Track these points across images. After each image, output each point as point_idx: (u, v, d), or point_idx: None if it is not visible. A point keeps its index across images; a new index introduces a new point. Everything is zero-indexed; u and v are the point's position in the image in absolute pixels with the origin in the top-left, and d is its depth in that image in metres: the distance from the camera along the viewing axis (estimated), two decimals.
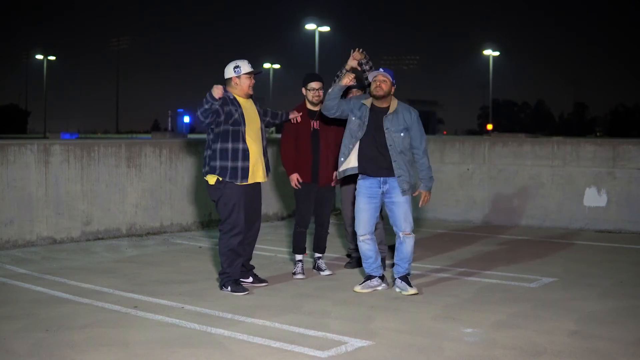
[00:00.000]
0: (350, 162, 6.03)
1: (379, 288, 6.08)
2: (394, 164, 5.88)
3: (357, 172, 6.03)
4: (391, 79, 5.97)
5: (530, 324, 5.10)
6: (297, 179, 6.64)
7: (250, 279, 6.22)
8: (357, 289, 6.06)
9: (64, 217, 8.36)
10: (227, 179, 5.92)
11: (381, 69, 6.04)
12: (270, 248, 8.13)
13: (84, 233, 8.54)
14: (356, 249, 7.18)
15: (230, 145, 5.92)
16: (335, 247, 8.16)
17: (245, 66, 6.02)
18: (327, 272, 6.79)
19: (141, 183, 9.07)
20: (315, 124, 6.65)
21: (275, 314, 5.31)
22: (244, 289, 5.96)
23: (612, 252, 8.10)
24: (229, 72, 6.03)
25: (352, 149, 6.00)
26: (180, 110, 66.64)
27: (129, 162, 8.95)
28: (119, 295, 5.88)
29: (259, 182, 6.15)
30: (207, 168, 5.99)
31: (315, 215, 6.84)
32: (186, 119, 63.95)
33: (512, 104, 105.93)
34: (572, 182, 9.86)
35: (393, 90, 6.03)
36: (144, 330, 4.89)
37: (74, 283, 6.30)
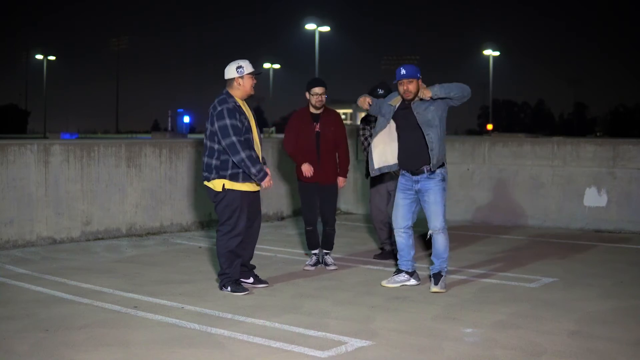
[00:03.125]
0: (383, 160, 6.27)
1: (408, 283, 6.26)
2: (426, 137, 5.99)
3: (394, 169, 6.30)
4: (416, 76, 6.00)
5: (530, 324, 5.10)
6: (309, 169, 6.80)
7: (251, 280, 6.21)
8: (383, 283, 6.28)
9: (64, 217, 8.36)
10: (240, 181, 5.86)
11: (402, 69, 5.99)
12: (270, 248, 8.13)
13: (84, 233, 8.54)
14: (388, 242, 7.56)
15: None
16: (335, 247, 8.15)
17: (248, 66, 5.96)
18: (332, 267, 7.00)
19: (141, 183, 9.07)
20: (317, 127, 6.88)
21: (275, 314, 5.31)
22: (244, 289, 5.96)
23: (612, 252, 8.10)
24: (231, 72, 5.93)
25: (375, 149, 6.23)
26: (180, 110, 66.70)
27: (129, 162, 8.95)
28: (119, 295, 5.88)
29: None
30: (214, 175, 5.87)
31: (320, 213, 7.08)
32: (186, 119, 63.97)
33: (512, 104, 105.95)
34: (572, 182, 9.85)
35: (420, 83, 6.06)
36: (144, 330, 4.89)
37: (74, 283, 6.30)
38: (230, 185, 5.86)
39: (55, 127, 77.98)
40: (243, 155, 5.74)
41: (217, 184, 5.90)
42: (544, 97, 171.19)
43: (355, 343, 4.63)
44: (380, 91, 7.19)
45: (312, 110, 6.87)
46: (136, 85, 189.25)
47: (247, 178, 5.90)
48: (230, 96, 5.93)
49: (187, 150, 9.56)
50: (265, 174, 5.85)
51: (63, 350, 4.47)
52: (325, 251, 7.12)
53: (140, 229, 9.06)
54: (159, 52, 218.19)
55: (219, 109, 5.83)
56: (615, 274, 6.83)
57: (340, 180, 7.07)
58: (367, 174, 7.23)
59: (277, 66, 72.30)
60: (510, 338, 4.76)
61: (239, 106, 5.92)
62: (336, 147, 6.99)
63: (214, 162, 5.88)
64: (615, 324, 5.11)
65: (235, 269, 5.99)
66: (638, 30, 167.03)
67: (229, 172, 5.86)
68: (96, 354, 4.40)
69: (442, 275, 6.13)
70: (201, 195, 9.65)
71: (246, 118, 5.92)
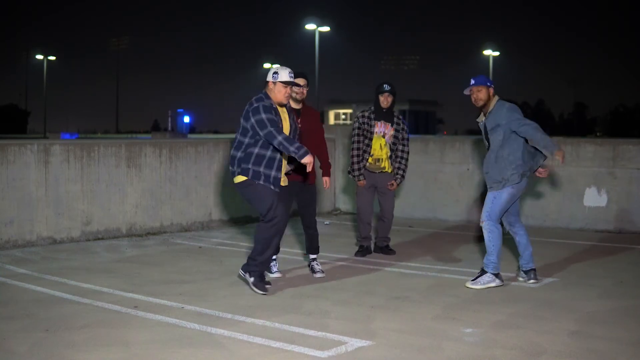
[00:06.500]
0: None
1: (492, 284, 6.26)
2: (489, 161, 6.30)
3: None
4: (486, 85, 6.28)
5: (530, 324, 5.10)
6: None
7: (252, 279, 6.20)
8: (468, 284, 6.30)
9: (64, 217, 8.36)
10: (261, 182, 5.88)
11: (472, 80, 6.30)
12: None
13: (84, 233, 8.54)
14: (364, 239, 7.80)
15: (268, 153, 5.88)
16: (335, 247, 8.16)
17: (283, 74, 5.95)
18: (319, 275, 6.71)
19: (141, 183, 9.07)
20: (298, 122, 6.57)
21: (275, 314, 5.31)
22: (264, 289, 5.88)
23: (612, 252, 8.09)
24: (269, 75, 6.01)
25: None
26: (180, 110, 66.61)
27: (129, 162, 8.95)
28: (119, 295, 5.88)
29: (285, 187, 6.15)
30: (237, 169, 5.94)
31: (301, 216, 6.86)
32: (186, 119, 63.91)
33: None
34: (572, 182, 9.85)
35: (491, 92, 6.31)
36: (144, 330, 4.89)
37: (74, 283, 6.30)
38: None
39: (55, 127, 78.01)
40: (280, 138, 5.71)
41: (238, 178, 5.97)
42: (544, 97, 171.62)
43: (355, 343, 4.63)
44: (387, 87, 7.56)
45: (292, 104, 6.60)
46: (136, 85, 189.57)
47: (268, 180, 5.90)
48: (268, 97, 5.97)
49: (187, 150, 9.56)
50: (306, 151, 5.68)
51: (63, 350, 4.47)
52: (311, 256, 6.85)
53: (140, 229, 9.06)
54: (159, 52, 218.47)
55: (255, 105, 5.89)
56: (616, 274, 6.83)
57: (326, 180, 6.94)
58: (349, 171, 7.74)
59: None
60: (510, 338, 4.76)
61: (275, 107, 5.94)
62: (317, 147, 6.77)
63: (239, 154, 5.94)
64: (615, 324, 5.11)
65: (265, 260, 5.96)
66: (638, 30, 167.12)
67: (251, 167, 5.88)
68: (96, 354, 4.40)
69: (484, 272, 6.29)
70: (201, 195, 9.65)
71: (280, 120, 5.92)
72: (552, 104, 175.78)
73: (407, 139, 7.76)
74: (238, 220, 10.08)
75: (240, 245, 8.31)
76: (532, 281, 6.38)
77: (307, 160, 5.66)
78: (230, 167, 6.08)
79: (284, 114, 6.05)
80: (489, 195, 6.32)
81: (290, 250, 8.06)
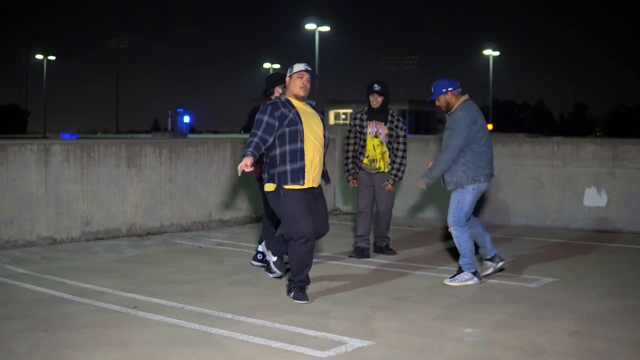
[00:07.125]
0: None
1: (470, 282, 6.37)
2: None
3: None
4: (442, 92, 6.37)
5: (530, 324, 5.10)
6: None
7: (275, 258, 6.05)
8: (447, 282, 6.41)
9: (64, 217, 8.36)
10: (290, 183, 5.68)
11: (433, 88, 6.45)
12: None
13: (84, 233, 8.54)
14: (360, 237, 7.72)
15: (287, 147, 5.68)
16: (334, 248, 8.16)
17: (296, 66, 5.89)
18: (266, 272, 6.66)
19: (141, 183, 9.07)
20: None
21: (275, 314, 5.31)
22: (305, 298, 5.73)
23: (612, 252, 8.09)
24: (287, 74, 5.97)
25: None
26: (180, 110, 66.62)
27: (129, 162, 8.95)
28: (119, 295, 5.88)
29: (317, 188, 5.90)
30: (266, 176, 5.82)
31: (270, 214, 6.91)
32: (186, 119, 63.93)
33: (512, 104, 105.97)
34: (572, 182, 9.85)
35: (450, 96, 6.38)
36: (144, 330, 4.89)
37: (74, 283, 6.30)
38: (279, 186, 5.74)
39: (55, 127, 78.12)
40: (247, 144, 5.66)
41: (268, 187, 5.81)
42: (544, 97, 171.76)
43: (355, 343, 4.63)
44: (376, 87, 7.57)
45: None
46: (136, 85, 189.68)
47: (296, 177, 5.69)
48: (283, 94, 5.94)
49: (187, 150, 9.56)
50: (242, 155, 5.55)
51: (63, 350, 4.47)
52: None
53: (140, 229, 9.06)
54: (159, 52, 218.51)
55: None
56: (616, 274, 6.83)
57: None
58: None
59: (277, 66, 72.29)
60: (510, 338, 4.76)
61: (286, 101, 5.82)
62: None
63: (267, 160, 5.83)
64: (615, 324, 5.11)
65: (304, 277, 5.79)
66: (638, 30, 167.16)
67: (277, 169, 5.72)
68: (96, 354, 4.40)
69: (461, 271, 6.38)
70: (201, 195, 9.65)
71: (291, 111, 5.74)
72: (552, 104, 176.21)
73: (404, 137, 7.65)
74: (238, 220, 10.08)
75: (240, 246, 8.32)
76: (500, 263, 6.51)
77: (239, 167, 5.52)
78: (262, 175, 5.95)
79: (304, 105, 5.86)
80: (452, 200, 6.37)
81: None
